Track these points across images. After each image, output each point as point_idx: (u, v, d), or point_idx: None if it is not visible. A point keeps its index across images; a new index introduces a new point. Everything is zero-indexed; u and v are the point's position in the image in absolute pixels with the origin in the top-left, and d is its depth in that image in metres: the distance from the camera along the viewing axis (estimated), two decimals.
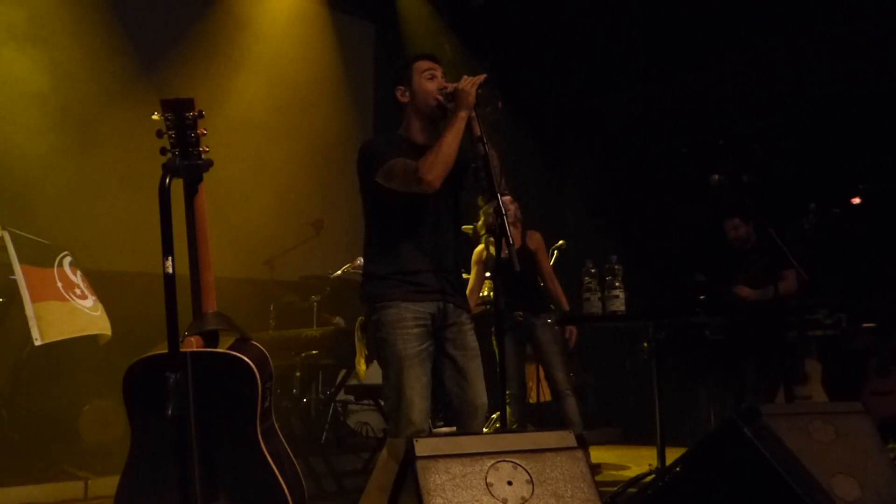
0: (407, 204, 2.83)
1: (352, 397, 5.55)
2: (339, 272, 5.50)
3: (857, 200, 5.49)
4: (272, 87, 6.89)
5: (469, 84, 2.74)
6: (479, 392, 2.84)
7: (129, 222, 5.42)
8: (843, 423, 2.82)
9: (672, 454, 3.38)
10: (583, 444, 2.26)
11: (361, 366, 4.37)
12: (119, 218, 5.57)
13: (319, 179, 6.97)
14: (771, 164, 6.81)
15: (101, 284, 4.62)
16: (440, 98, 2.86)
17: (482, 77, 2.76)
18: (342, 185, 6.40)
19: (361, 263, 5.32)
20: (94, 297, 4.43)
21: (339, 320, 5.12)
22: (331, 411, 5.36)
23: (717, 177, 4.32)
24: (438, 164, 2.69)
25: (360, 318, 4.43)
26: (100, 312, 4.41)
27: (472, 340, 2.90)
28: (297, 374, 5.19)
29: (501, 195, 2.67)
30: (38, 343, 3.90)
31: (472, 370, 2.85)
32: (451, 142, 2.72)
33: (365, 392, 5.24)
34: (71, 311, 4.19)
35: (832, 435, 2.77)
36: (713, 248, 5.55)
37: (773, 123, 7.00)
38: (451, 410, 2.86)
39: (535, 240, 4.96)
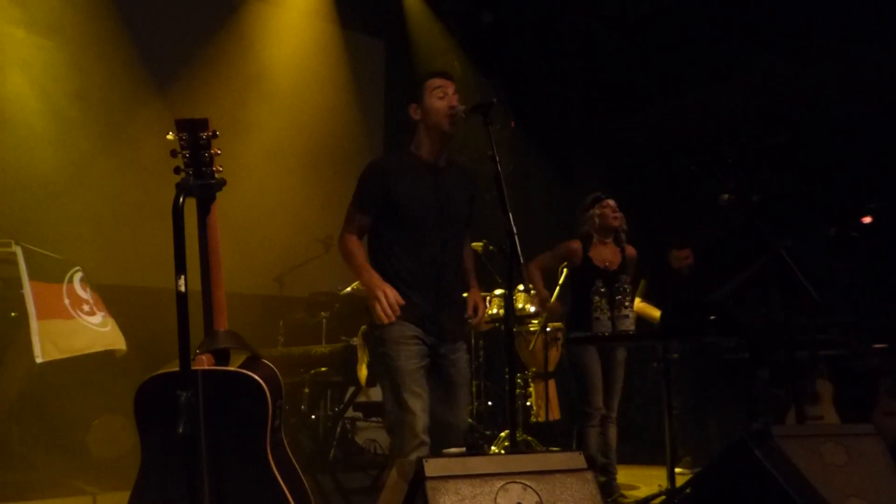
0: (408, 233, 2.95)
1: (360, 414, 5.54)
2: (348, 289, 5.50)
3: (867, 220, 5.47)
4: (283, 104, 6.93)
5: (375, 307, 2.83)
6: (459, 418, 2.96)
7: (142, 239, 5.45)
8: (855, 445, 2.81)
9: (682, 474, 3.36)
10: (592, 466, 2.25)
11: (363, 371, 4.39)
12: (133, 234, 5.60)
13: (329, 196, 6.97)
14: (779, 183, 6.80)
15: (114, 300, 4.64)
16: (444, 122, 2.97)
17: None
18: None
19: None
20: (103, 314, 4.44)
21: (356, 341, 5.11)
22: (339, 428, 5.35)
23: (726, 196, 4.32)
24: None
25: (362, 327, 4.45)
26: (109, 327, 4.43)
27: (464, 368, 3.02)
28: (306, 390, 5.18)
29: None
30: (38, 360, 3.92)
31: (459, 398, 2.96)
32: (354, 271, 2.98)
33: (373, 409, 5.23)
34: (76, 330, 4.20)
35: (844, 457, 2.76)
36: (663, 276, 5.56)
37: (782, 142, 7.00)
38: (430, 427, 2.93)
39: (630, 255, 4.75)
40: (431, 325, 2.92)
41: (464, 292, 3.16)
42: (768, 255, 4.25)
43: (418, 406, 2.78)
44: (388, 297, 2.79)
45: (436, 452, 2.85)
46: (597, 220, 4.60)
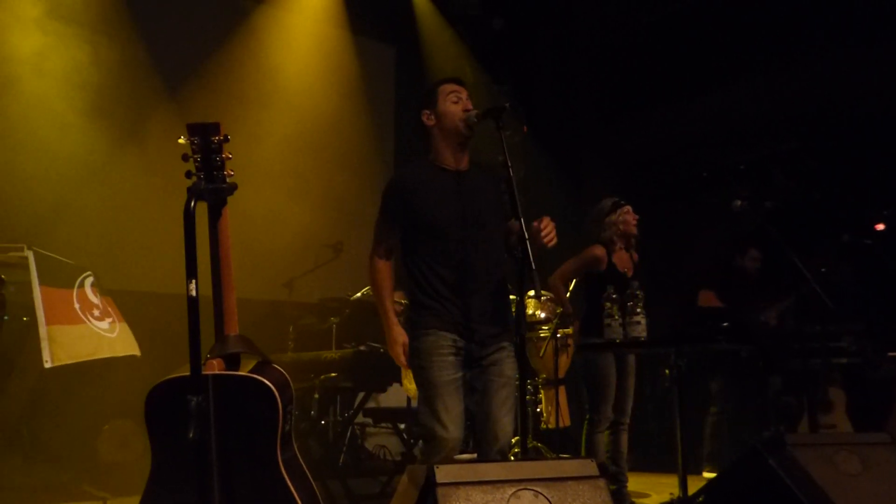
0: (435, 242, 2.92)
1: (370, 420, 5.54)
2: (358, 294, 5.50)
3: (881, 227, 5.44)
4: (293, 109, 6.95)
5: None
6: (502, 422, 2.86)
7: (153, 243, 5.46)
8: (869, 455, 2.78)
9: (693, 482, 3.34)
10: (605, 473, 2.24)
11: (412, 383, 4.35)
12: (144, 239, 5.61)
13: (339, 201, 7.00)
14: (792, 189, 6.76)
15: (125, 305, 4.64)
16: (459, 126, 2.94)
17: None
18: (362, 208, 6.42)
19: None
20: (111, 319, 4.44)
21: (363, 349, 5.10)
22: (349, 434, 5.34)
23: (738, 202, 4.29)
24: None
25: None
26: (116, 334, 4.43)
27: (507, 369, 2.93)
28: (316, 396, 5.18)
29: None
30: (48, 365, 3.92)
31: (498, 398, 2.87)
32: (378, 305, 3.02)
33: (383, 415, 5.22)
34: (84, 335, 4.21)
35: (858, 466, 2.73)
36: (732, 274, 5.51)
37: (795, 148, 6.96)
38: (475, 435, 2.89)
39: (635, 260, 4.70)
40: (468, 331, 2.88)
41: (505, 292, 3.09)
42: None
43: (449, 419, 2.76)
44: (398, 357, 2.93)
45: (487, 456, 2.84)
46: (620, 226, 4.56)
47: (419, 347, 2.87)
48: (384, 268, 3.00)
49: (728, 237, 5.61)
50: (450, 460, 2.72)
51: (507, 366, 2.92)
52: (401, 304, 4.59)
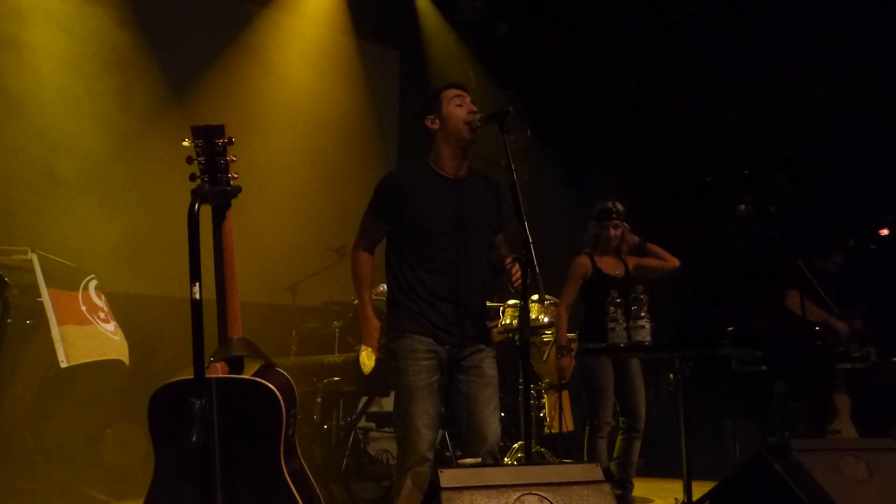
0: (422, 247, 2.93)
1: (373, 424, 5.52)
2: None
3: (885, 232, 5.42)
4: (297, 113, 6.96)
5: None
6: (488, 421, 2.85)
7: (157, 247, 5.46)
8: (875, 460, 2.76)
9: (698, 487, 3.32)
10: (609, 478, 2.23)
11: (369, 359, 4.31)
12: (148, 242, 5.62)
13: (343, 205, 6.99)
14: (797, 195, 6.75)
15: (128, 308, 4.65)
16: (464, 130, 2.94)
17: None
18: None
19: (384, 290, 5.35)
20: (115, 323, 4.47)
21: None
22: (351, 438, 5.33)
23: (743, 207, 4.28)
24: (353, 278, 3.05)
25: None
26: (119, 338, 4.45)
27: (488, 368, 2.93)
28: (319, 400, 5.17)
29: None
30: (63, 365, 3.94)
31: (481, 398, 2.87)
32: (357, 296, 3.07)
33: (386, 419, 5.20)
34: (93, 335, 4.22)
35: (864, 472, 2.71)
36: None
37: (799, 153, 6.95)
38: (461, 438, 2.88)
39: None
40: (445, 334, 2.87)
41: (484, 299, 3.10)
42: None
43: (423, 422, 2.76)
44: (372, 342, 2.99)
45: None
46: (600, 237, 4.58)
47: (395, 350, 2.89)
48: (366, 260, 3.04)
49: (807, 239, 5.51)
50: (424, 463, 2.72)
51: (488, 366, 2.93)
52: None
